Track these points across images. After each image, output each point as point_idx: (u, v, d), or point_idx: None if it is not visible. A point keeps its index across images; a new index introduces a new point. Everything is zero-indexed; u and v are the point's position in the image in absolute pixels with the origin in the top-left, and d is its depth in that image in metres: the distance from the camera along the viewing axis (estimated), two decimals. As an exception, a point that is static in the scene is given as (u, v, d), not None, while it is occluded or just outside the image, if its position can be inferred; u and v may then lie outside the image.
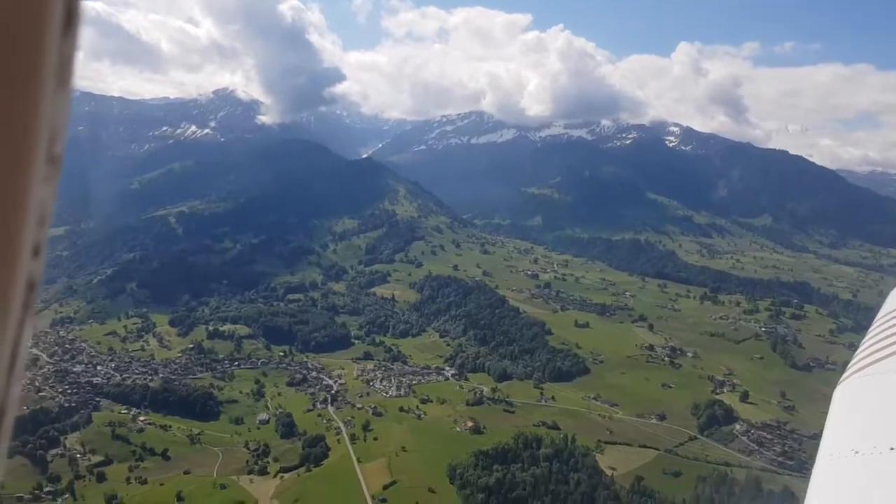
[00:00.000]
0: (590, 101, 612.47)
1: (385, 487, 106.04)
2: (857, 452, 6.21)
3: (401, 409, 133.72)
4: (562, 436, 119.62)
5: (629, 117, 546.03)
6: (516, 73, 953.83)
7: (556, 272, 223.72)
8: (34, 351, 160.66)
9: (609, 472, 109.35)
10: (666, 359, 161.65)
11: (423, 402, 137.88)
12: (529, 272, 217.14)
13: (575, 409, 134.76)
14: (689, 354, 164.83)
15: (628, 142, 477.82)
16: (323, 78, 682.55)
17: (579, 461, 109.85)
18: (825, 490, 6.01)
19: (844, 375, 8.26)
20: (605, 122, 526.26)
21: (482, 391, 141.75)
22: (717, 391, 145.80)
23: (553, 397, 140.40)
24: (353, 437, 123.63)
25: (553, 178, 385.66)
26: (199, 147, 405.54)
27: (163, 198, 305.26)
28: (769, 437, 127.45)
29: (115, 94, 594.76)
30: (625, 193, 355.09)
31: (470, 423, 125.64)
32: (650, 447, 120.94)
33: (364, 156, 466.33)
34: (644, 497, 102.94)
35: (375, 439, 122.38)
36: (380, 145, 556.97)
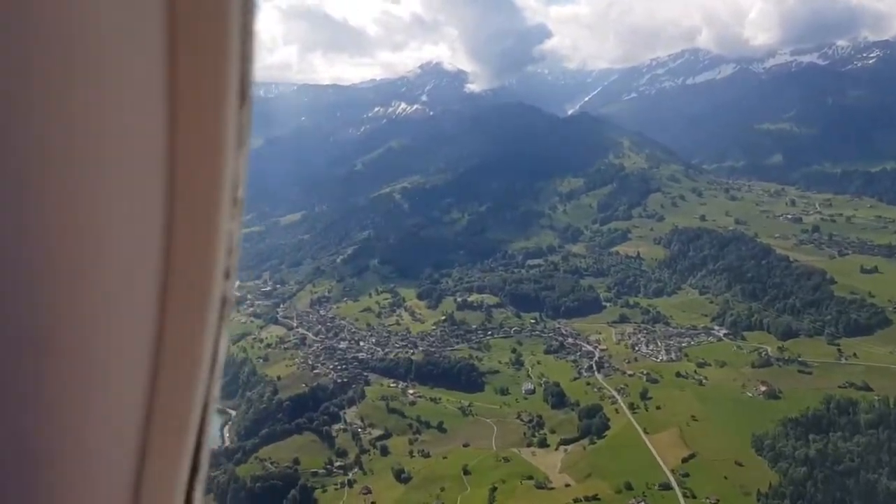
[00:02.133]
0: (823, 21, 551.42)
1: (684, 461, 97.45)
2: None
3: (677, 375, 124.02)
4: (877, 398, 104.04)
5: (870, 34, 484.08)
6: (734, 2, 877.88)
7: (821, 213, 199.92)
8: (301, 331, 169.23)
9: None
10: None
11: (700, 365, 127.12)
12: (789, 216, 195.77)
13: (886, 367, 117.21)
14: None
15: (871, 61, 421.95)
16: (529, 36, 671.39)
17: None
18: None
19: None
20: (841, 43, 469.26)
21: (766, 351, 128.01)
22: None
23: (854, 354, 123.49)
24: (631, 407, 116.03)
25: (787, 111, 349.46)
26: (411, 123, 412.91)
27: (385, 176, 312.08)
28: None
29: (328, 82, 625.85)
30: (878, 119, 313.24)
31: (762, 388, 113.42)
32: None
33: (570, 112, 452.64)
34: None
35: (658, 408, 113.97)
36: (586, 99, 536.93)
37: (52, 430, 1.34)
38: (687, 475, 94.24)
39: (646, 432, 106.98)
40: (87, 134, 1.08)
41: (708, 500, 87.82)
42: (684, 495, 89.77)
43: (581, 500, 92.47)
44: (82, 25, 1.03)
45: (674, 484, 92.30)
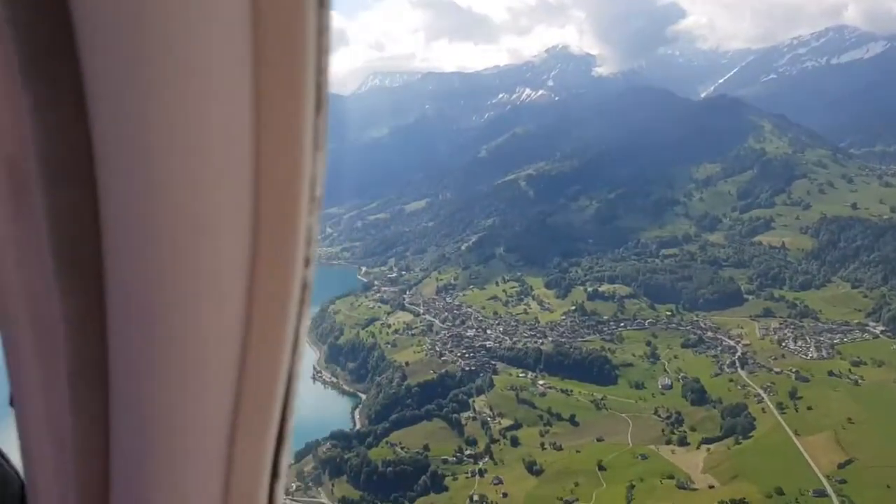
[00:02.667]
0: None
1: (840, 466, 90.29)
2: None
3: (830, 374, 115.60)
4: None
5: None
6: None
7: None
8: (427, 317, 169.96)
9: None
10: None
11: (855, 364, 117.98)
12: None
13: None
14: None
15: None
16: (661, 17, 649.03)
17: None
18: None
19: None
20: None
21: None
22: None
23: None
24: (780, 406, 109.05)
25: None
26: (536, 109, 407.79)
27: (510, 163, 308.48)
28: None
29: (452, 69, 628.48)
30: None
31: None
32: None
33: (703, 95, 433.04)
34: None
35: (809, 408, 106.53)
36: (720, 81, 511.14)
37: (159, 407, 1.51)
38: (844, 482, 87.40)
39: (797, 434, 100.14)
40: (188, 135, 1.22)
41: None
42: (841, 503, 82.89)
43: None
44: (186, 33, 1.15)
45: (829, 491, 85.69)
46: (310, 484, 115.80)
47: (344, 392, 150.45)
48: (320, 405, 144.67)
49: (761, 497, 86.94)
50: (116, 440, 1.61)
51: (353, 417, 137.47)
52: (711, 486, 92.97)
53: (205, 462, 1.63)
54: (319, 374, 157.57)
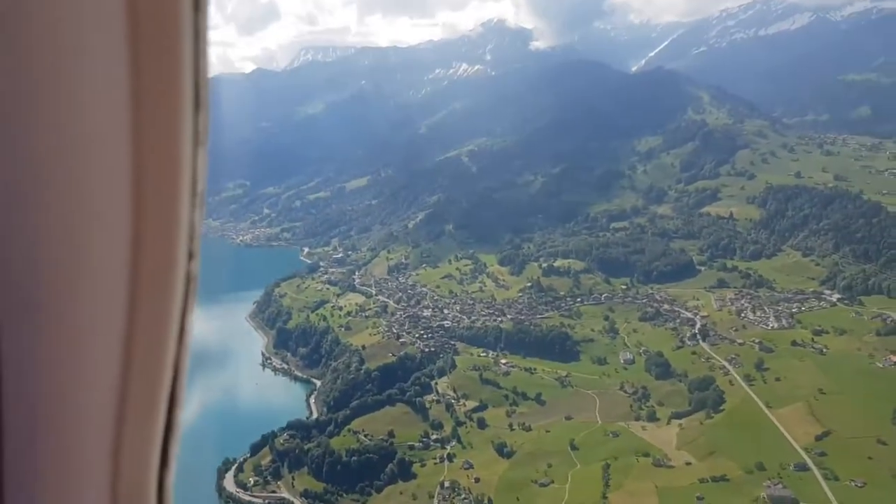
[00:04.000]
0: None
1: (818, 438, 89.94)
2: None
3: (793, 344, 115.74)
4: None
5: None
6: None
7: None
8: (381, 298, 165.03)
9: None
10: None
11: (817, 333, 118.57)
12: (895, 171, 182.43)
13: None
14: None
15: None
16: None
17: None
18: None
19: None
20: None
21: (891, 318, 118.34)
22: None
23: None
24: (747, 378, 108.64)
25: (872, 60, 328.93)
26: (474, 84, 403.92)
27: (450, 139, 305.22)
28: None
29: (387, 44, 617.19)
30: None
31: (894, 358, 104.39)
32: None
33: (635, 69, 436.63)
34: None
35: (777, 380, 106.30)
36: (651, 54, 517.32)
37: (44, 398, 1.56)
38: (824, 454, 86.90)
39: (768, 406, 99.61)
40: (65, 133, 1.26)
41: (854, 484, 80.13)
42: (825, 477, 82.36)
43: (707, 481, 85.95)
44: (62, 32, 1.22)
45: (811, 464, 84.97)
46: (268, 478, 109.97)
47: (296, 378, 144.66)
48: (272, 393, 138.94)
49: (742, 473, 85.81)
50: (4, 431, 1.64)
51: (308, 405, 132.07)
52: (689, 463, 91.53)
53: (91, 451, 1.68)
54: (269, 361, 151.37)
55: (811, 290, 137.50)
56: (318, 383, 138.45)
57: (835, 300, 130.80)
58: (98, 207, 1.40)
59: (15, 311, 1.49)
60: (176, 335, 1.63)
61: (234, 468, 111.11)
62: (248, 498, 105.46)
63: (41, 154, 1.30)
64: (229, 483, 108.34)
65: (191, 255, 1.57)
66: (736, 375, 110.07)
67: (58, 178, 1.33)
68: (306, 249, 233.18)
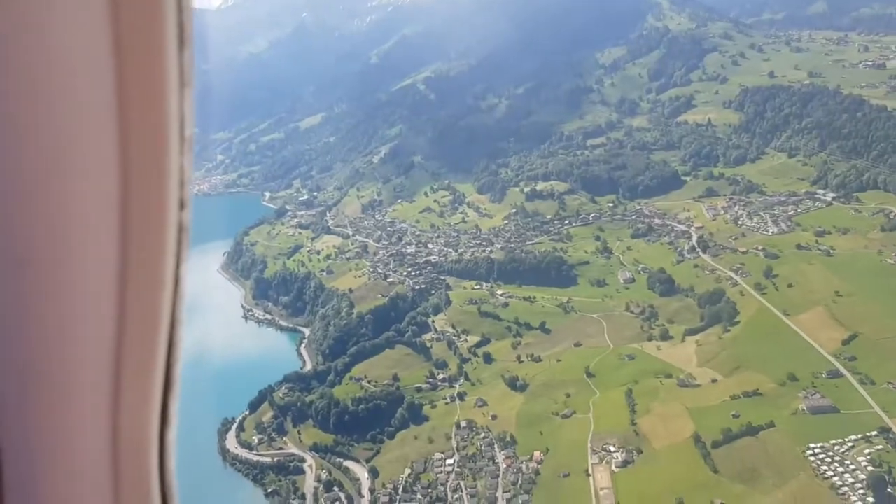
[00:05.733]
0: None
1: (844, 343, 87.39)
2: None
3: (798, 247, 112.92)
4: None
5: None
6: None
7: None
8: (359, 238, 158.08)
9: None
10: None
11: (819, 234, 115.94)
12: (868, 63, 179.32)
13: None
14: None
15: None
16: None
17: None
18: None
19: None
20: None
21: (892, 212, 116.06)
22: None
23: None
24: (758, 287, 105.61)
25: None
26: (421, 8, 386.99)
27: (404, 67, 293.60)
28: None
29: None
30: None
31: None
32: None
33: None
34: None
35: (790, 286, 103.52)
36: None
37: (39, 356, 1.53)
38: (854, 359, 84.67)
39: (786, 314, 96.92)
40: (48, 78, 1.23)
41: (893, 386, 77.84)
42: (861, 382, 79.90)
43: (739, 397, 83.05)
44: None
45: (843, 371, 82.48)
46: (273, 435, 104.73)
47: (282, 328, 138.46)
48: (260, 346, 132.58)
49: (775, 386, 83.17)
50: (1, 392, 1.62)
51: (300, 355, 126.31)
52: (715, 381, 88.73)
53: (90, 410, 1.65)
54: (250, 313, 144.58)
55: (804, 190, 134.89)
56: (307, 331, 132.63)
57: (830, 199, 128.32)
58: (84, 156, 1.35)
59: (2, 266, 1.45)
60: (171, 287, 1.60)
61: (234, 428, 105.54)
62: (256, 458, 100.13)
63: (21, 100, 1.26)
64: (231, 444, 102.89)
65: (182, 204, 1.53)
66: (745, 285, 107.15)
67: (40, 125, 1.29)
68: (268, 194, 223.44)
